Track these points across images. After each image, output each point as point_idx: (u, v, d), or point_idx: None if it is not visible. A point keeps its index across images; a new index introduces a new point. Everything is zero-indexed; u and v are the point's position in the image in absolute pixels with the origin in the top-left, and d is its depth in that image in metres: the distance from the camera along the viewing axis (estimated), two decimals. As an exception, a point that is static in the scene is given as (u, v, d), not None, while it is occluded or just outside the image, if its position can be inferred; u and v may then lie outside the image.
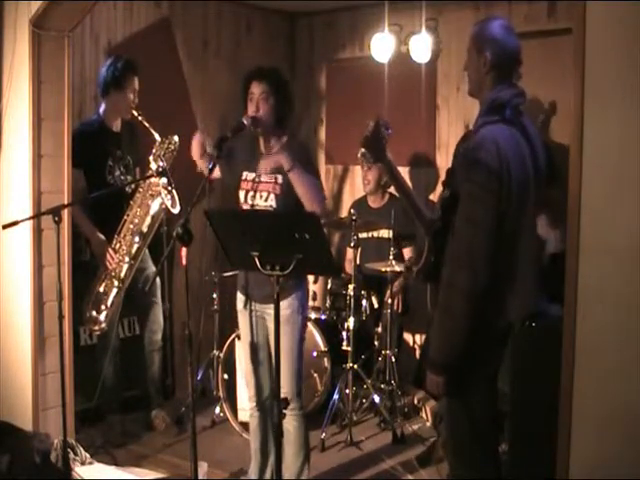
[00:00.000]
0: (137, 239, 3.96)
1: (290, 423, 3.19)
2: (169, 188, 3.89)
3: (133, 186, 4.08)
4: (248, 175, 3.27)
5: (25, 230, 3.55)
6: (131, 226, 3.96)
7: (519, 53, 2.47)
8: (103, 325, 3.96)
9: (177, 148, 4.00)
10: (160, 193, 3.87)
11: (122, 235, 3.96)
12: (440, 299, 2.38)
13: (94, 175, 4.00)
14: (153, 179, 3.91)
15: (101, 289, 3.96)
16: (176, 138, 3.99)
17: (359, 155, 2.46)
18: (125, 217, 3.97)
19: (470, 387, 2.47)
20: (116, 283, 3.96)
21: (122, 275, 3.96)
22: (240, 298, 3.34)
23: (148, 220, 3.95)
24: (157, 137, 3.97)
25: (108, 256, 3.92)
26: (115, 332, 4.18)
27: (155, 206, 3.95)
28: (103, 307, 3.95)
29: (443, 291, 2.36)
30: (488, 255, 2.28)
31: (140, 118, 3.96)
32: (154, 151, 3.97)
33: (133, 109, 4.00)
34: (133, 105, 4.05)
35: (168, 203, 3.84)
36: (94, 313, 3.94)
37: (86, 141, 3.93)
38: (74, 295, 3.74)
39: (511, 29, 2.48)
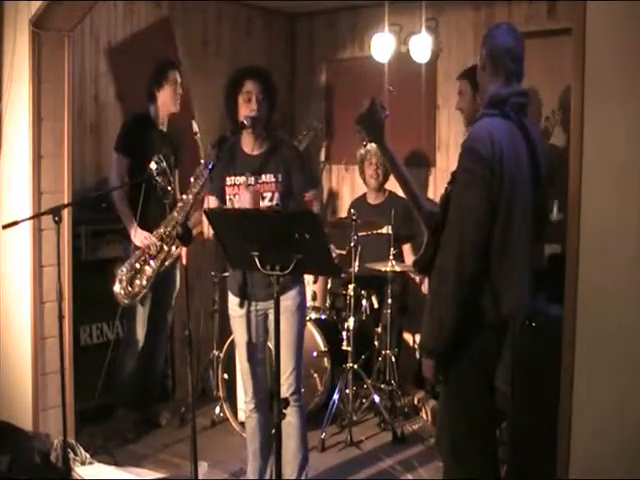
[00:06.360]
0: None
1: (293, 415, 3.19)
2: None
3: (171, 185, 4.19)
4: (236, 179, 3.22)
5: (25, 230, 3.55)
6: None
7: (515, 51, 2.52)
8: (126, 301, 3.97)
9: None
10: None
11: (170, 228, 4.02)
12: (431, 283, 2.46)
13: (139, 166, 4.07)
14: None
15: (137, 266, 3.98)
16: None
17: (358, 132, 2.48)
18: (175, 213, 4.02)
19: (466, 385, 2.48)
20: (152, 264, 3.99)
21: (163, 263, 4.02)
22: (234, 301, 3.30)
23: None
24: (202, 160, 3.99)
25: (150, 243, 3.97)
26: (142, 327, 4.19)
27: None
28: (137, 282, 3.97)
29: (434, 275, 2.43)
30: (476, 242, 2.35)
31: (197, 135, 4.01)
32: (196, 172, 3.95)
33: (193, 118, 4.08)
34: (178, 99, 4.20)
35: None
36: (125, 284, 3.94)
37: (136, 130, 4.11)
38: (74, 295, 3.74)
39: (511, 31, 2.56)
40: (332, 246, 4.17)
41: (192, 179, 3.96)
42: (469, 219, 2.36)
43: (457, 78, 3.81)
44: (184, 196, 4.00)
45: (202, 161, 3.97)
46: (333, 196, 5.75)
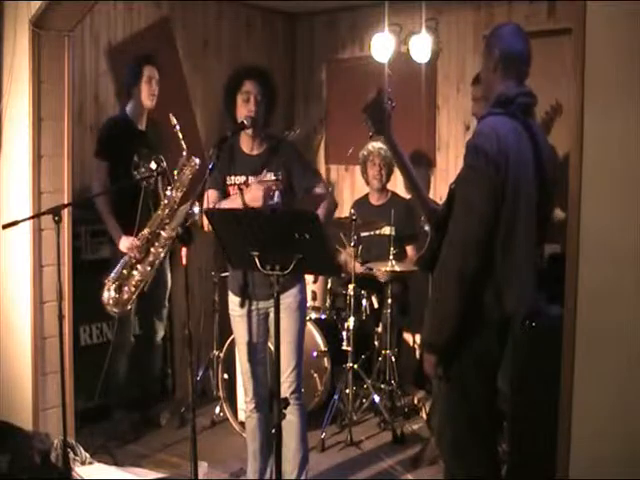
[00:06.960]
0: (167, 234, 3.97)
1: (293, 414, 3.19)
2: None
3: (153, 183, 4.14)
4: (236, 179, 3.23)
5: (25, 230, 3.55)
6: (164, 221, 3.97)
7: (524, 53, 2.54)
8: (115, 310, 3.93)
9: (195, 170, 3.97)
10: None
11: (155, 227, 3.96)
12: (434, 278, 2.46)
13: (119, 169, 4.05)
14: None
15: (124, 273, 3.93)
16: (197, 160, 3.97)
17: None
18: (159, 212, 3.97)
19: (467, 384, 2.48)
20: (139, 269, 3.93)
21: (152, 266, 3.96)
22: (234, 300, 3.29)
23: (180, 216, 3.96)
24: (184, 152, 3.95)
25: (134, 247, 3.90)
26: (131, 329, 4.18)
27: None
28: (126, 289, 3.93)
29: (437, 271, 2.43)
30: (480, 239, 2.35)
31: (176, 127, 3.92)
32: (179, 164, 3.96)
33: (170, 113, 3.98)
34: (154, 94, 4.12)
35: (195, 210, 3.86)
36: (113, 293, 3.90)
37: (113, 134, 4.05)
38: (74, 295, 3.74)
39: (519, 32, 2.57)
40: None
41: (175, 172, 3.94)
42: (473, 216, 2.36)
43: (471, 84, 3.81)
44: (168, 192, 3.97)
45: (184, 153, 3.94)
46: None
